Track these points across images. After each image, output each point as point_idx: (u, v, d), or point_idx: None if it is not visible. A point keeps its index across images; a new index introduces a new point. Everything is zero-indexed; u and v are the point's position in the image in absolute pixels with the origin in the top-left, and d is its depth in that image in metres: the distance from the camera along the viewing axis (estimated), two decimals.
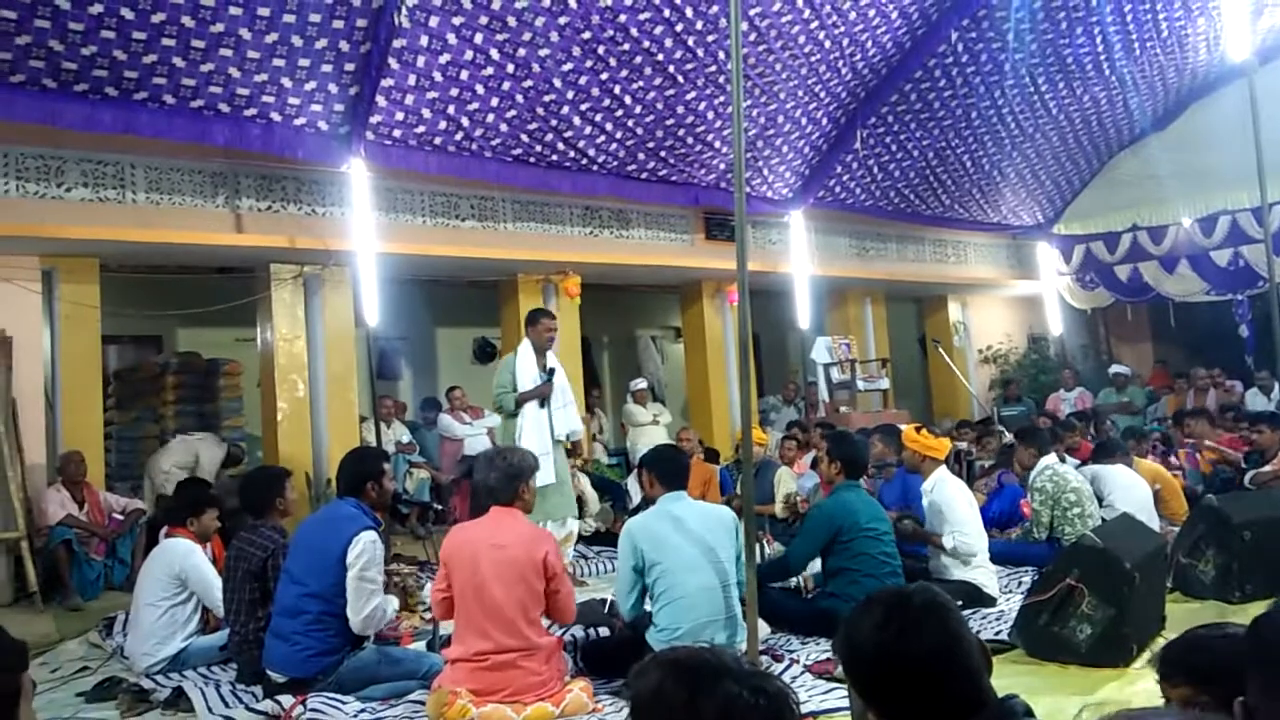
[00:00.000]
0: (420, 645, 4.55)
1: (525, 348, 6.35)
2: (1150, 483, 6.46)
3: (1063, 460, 6.39)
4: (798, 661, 4.22)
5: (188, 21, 6.12)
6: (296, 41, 6.56)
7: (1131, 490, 6.19)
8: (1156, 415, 11.12)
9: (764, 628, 4.40)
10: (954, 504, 5.25)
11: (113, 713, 4.06)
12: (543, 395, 6.17)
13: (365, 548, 3.95)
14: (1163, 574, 4.84)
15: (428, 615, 4.84)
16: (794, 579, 5.22)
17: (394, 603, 4.24)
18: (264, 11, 6.28)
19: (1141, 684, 3.80)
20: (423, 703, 3.75)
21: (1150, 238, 12.44)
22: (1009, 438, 8.14)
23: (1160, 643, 4.12)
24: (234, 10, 6.19)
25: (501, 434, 6.53)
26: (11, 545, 6.30)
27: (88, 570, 6.51)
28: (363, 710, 3.77)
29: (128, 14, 5.93)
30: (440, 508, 8.54)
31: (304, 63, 6.74)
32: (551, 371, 6.28)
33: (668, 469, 4.28)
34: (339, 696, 3.82)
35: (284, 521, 4.57)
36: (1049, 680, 3.92)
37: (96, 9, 5.83)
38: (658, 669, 1.33)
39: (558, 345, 9.46)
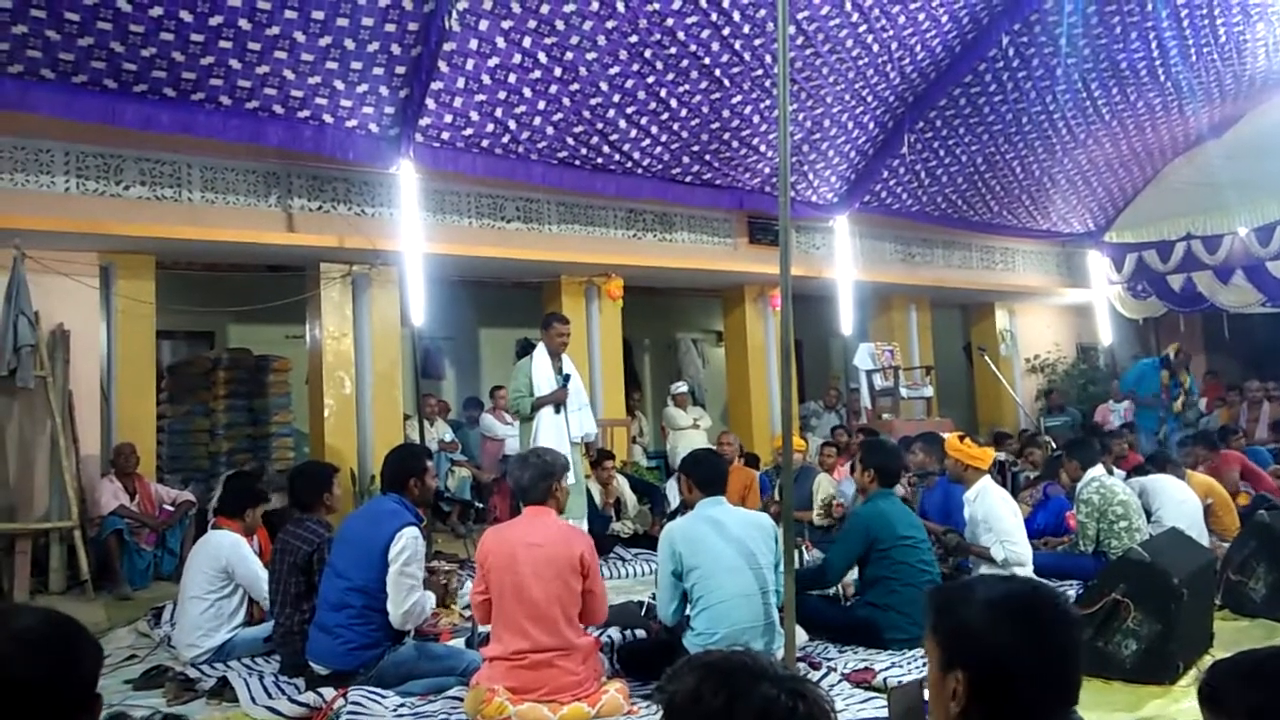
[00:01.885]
0: (459, 642, 4.59)
1: (540, 352, 6.40)
2: (1202, 497, 6.32)
3: (1110, 473, 6.27)
4: (835, 670, 4.19)
5: (244, 24, 6.25)
6: (349, 45, 6.67)
7: (1182, 505, 6.06)
8: (1204, 429, 10.86)
9: (802, 635, 4.38)
10: (999, 515, 5.18)
11: (159, 700, 4.13)
12: (559, 400, 6.22)
13: (407, 543, 4.00)
14: (1211, 591, 4.74)
15: (466, 613, 4.89)
16: (832, 587, 5.19)
17: (431, 599, 4.29)
18: (318, 15, 6.39)
19: (1187, 702, 3.72)
20: (461, 699, 3.79)
21: (1205, 247, 12.17)
22: (1055, 449, 8.01)
23: (1208, 662, 4.05)
24: (289, 14, 6.31)
25: (519, 438, 6.58)
26: (65, 534, 6.46)
27: (138, 560, 6.67)
28: (402, 705, 3.82)
29: (186, 16, 6.07)
30: (481, 506, 8.61)
31: (356, 65, 6.85)
32: (567, 377, 6.32)
33: (706, 474, 4.28)
34: (379, 690, 3.88)
35: (329, 516, 4.64)
36: (1092, 697, 3.85)
37: (156, 11, 5.97)
38: (693, 672, 1.32)
39: (599, 347, 9.63)
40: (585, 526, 6.52)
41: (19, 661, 1.36)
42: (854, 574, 4.98)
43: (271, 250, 7.98)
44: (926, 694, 1.59)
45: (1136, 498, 5.81)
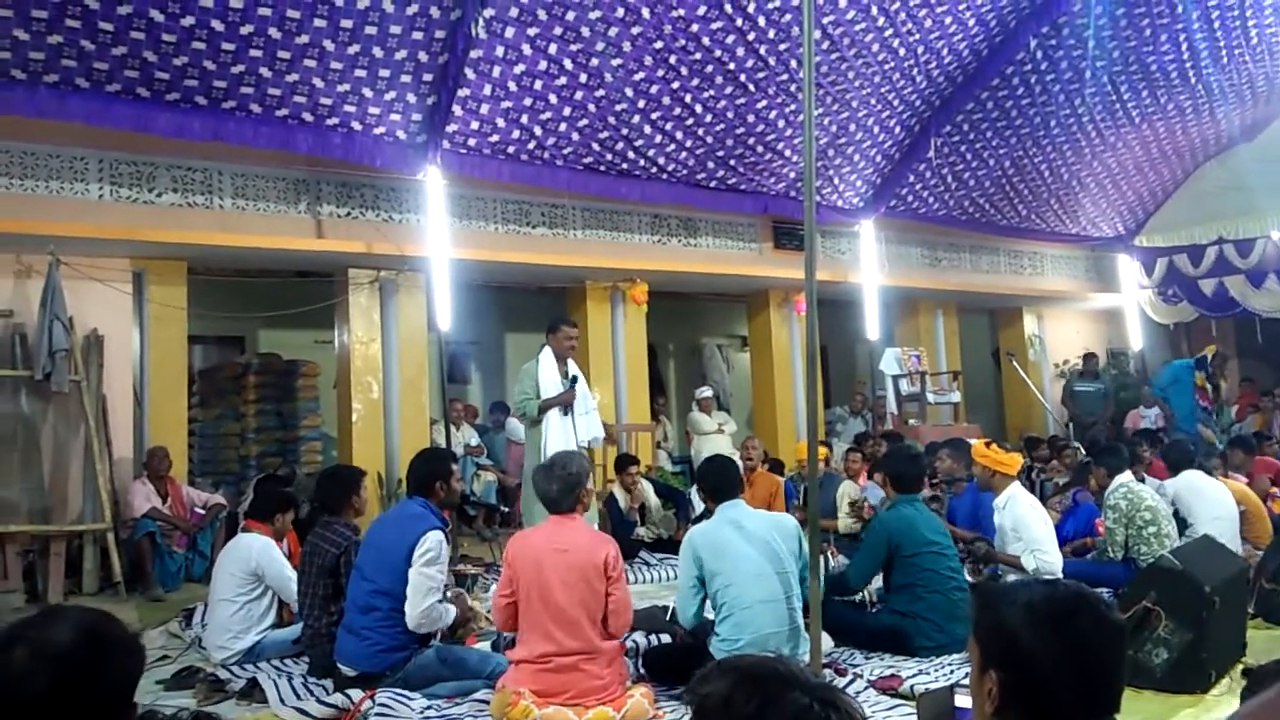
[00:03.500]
0: (485, 645, 4.62)
1: (546, 355, 6.38)
2: (1235, 503, 6.24)
3: (1141, 480, 6.20)
4: (862, 676, 4.17)
5: (274, 33, 6.33)
6: (377, 53, 6.73)
7: (1221, 509, 5.97)
8: (1240, 434, 10.71)
9: (827, 641, 4.36)
10: (1029, 522, 5.13)
11: (190, 701, 4.18)
12: (565, 403, 6.23)
13: (431, 546, 4.03)
14: (1244, 599, 4.67)
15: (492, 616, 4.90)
16: (857, 594, 5.17)
17: (451, 613, 4.28)
18: (347, 23, 6.45)
19: (1219, 712, 3.67)
20: (487, 702, 3.80)
21: (1237, 251, 12.00)
22: (1085, 454, 7.94)
23: (1240, 671, 3.99)
24: (319, 22, 6.38)
25: (526, 442, 6.59)
26: (98, 536, 6.56)
27: (169, 562, 6.75)
28: (429, 707, 3.84)
29: (218, 26, 6.15)
30: (506, 510, 8.65)
31: (384, 73, 6.91)
32: (574, 380, 6.32)
33: (716, 482, 4.28)
34: (406, 693, 3.90)
35: (357, 519, 4.68)
36: (1123, 705, 3.80)
37: (188, 21, 6.06)
38: (724, 676, 1.31)
39: (624, 352, 9.65)
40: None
41: (36, 678, 1.32)
42: (877, 580, 4.96)
43: (301, 256, 8.06)
44: (956, 700, 1.58)
45: (1166, 504, 5.74)
